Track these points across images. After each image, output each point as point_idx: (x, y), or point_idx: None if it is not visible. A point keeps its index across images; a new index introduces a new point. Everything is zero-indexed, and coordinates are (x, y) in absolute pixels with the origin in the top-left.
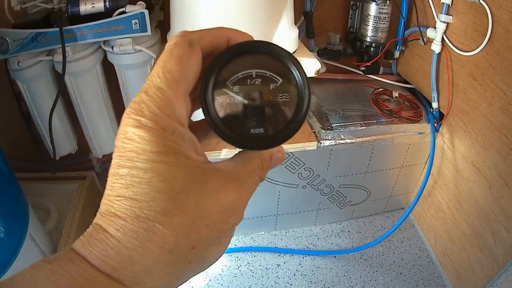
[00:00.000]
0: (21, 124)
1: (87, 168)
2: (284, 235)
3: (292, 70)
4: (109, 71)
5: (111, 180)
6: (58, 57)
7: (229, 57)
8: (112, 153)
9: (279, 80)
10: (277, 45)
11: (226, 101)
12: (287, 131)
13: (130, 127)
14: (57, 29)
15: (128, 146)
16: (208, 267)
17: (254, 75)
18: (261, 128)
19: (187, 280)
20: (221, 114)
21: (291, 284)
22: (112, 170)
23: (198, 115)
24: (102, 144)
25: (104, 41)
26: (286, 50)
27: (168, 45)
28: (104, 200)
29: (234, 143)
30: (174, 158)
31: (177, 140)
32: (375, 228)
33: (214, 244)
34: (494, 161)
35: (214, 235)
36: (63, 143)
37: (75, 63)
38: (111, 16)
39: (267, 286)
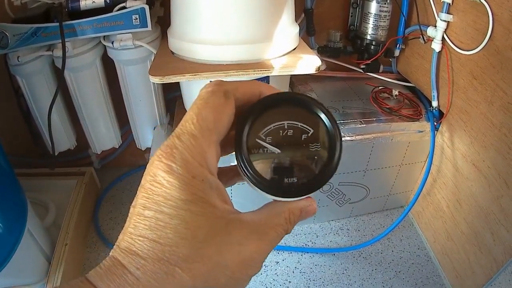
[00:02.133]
0: (20, 120)
1: (86, 164)
2: None
3: (324, 121)
4: (109, 66)
5: (135, 220)
6: (58, 52)
7: (262, 108)
8: (111, 148)
9: (310, 130)
10: (309, 96)
11: (260, 151)
12: (319, 180)
13: (160, 171)
14: (57, 24)
15: (156, 190)
16: None
17: (286, 127)
18: (294, 178)
19: None
20: (255, 164)
21: (289, 282)
22: (136, 209)
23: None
24: (101, 140)
25: (104, 36)
26: (317, 101)
27: (203, 92)
28: (125, 237)
29: (268, 190)
30: (201, 207)
31: (206, 189)
32: (374, 226)
33: None
34: (494, 160)
35: (231, 284)
36: (62, 139)
37: (75, 58)
38: (111, 11)
39: (265, 283)
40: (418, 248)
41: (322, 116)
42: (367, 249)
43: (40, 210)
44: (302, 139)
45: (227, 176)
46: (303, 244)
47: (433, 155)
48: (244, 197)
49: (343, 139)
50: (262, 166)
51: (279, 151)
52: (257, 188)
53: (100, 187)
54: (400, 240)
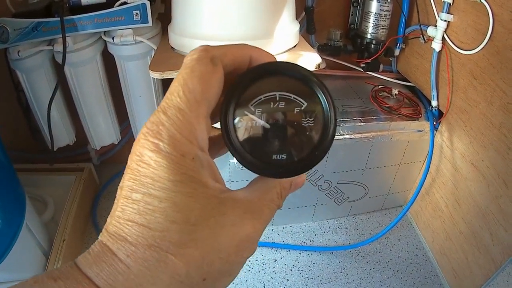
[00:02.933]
0: (20, 115)
1: (85, 160)
2: (281, 230)
3: (318, 94)
4: (109, 62)
5: (122, 203)
6: (59, 47)
7: (252, 78)
8: (110, 144)
9: (303, 103)
10: (303, 67)
11: (248, 124)
12: (312, 158)
13: (147, 150)
14: (58, 19)
15: (143, 171)
16: None
17: (277, 98)
18: (283, 154)
19: None
20: (241, 137)
21: (287, 280)
22: (123, 191)
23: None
24: (100, 136)
25: (104, 31)
26: (311, 72)
27: (188, 60)
28: (113, 221)
29: (254, 169)
30: (192, 188)
31: (196, 168)
32: (372, 225)
33: (225, 275)
34: (493, 160)
35: (226, 268)
36: (61, 134)
37: (75, 54)
38: (112, 7)
39: (263, 281)
40: (417, 248)
41: (317, 89)
42: (365, 248)
43: (39, 205)
44: (295, 112)
45: (218, 145)
46: (301, 242)
47: (432, 155)
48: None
49: (344, 137)
50: (249, 141)
51: (268, 125)
52: (242, 165)
53: (98, 183)
54: (398, 239)
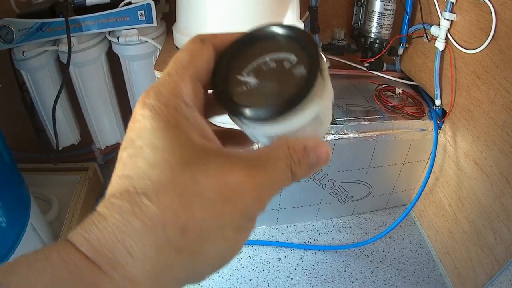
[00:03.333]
0: (24, 115)
1: (90, 160)
2: (285, 229)
3: (305, 47)
4: (113, 62)
5: (115, 167)
6: (63, 47)
7: (240, 46)
8: (115, 144)
9: (290, 56)
10: (288, 25)
11: (242, 88)
12: (300, 92)
13: (137, 109)
14: (63, 19)
15: (132, 128)
16: (203, 273)
17: (268, 61)
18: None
19: (177, 282)
20: (238, 100)
21: (291, 278)
22: (118, 155)
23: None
24: (105, 136)
25: (109, 31)
26: (296, 28)
27: (183, 45)
28: (107, 188)
29: (245, 115)
30: (173, 133)
31: (180, 119)
32: (376, 224)
33: (212, 234)
34: (496, 159)
35: (212, 221)
36: (66, 134)
37: (80, 54)
38: (117, 7)
39: (267, 280)
40: (420, 247)
41: (298, 39)
42: (369, 246)
43: (43, 205)
44: (287, 68)
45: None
46: (306, 241)
47: (435, 154)
48: None
49: (348, 136)
50: (243, 98)
51: (258, 81)
52: (237, 119)
53: (103, 182)
54: (402, 238)
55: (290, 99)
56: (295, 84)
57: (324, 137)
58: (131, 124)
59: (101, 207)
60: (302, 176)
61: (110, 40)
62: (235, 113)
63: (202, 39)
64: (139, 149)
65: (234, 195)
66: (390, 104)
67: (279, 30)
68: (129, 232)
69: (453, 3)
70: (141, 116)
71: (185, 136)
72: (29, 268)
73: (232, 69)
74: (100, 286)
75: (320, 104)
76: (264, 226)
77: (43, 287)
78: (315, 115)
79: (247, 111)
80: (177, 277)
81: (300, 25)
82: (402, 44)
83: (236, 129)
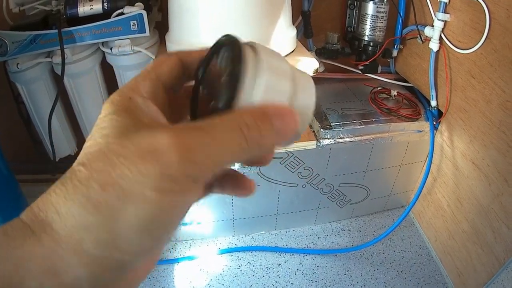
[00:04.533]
0: (21, 126)
1: None
2: (284, 234)
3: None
4: (108, 72)
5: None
6: (57, 59)
7: (209, 56)
8: None
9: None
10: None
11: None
12: (232, 68)
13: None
14: (56, 30)
15: (96, 122)
16: (128, 241)
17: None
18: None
19: (114, 253)
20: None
21: (292, 283)
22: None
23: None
24: None
25: (102, 42)
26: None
27: None
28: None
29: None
30: (120, 116)
31: (131, 104)
32: (375, 226)
33: (131, 192)
34: (494, 158)
35: (130, 179)
36: (63, 145)
37: (74, 65)
38: (109, 18)
39: (268, 286)
40: (420, 248)
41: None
42: (369, 249)
43: None
44: (220, 67)
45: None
46: (305, 245)
47: (432, 155)
48: (245, 200)
49: (344, 140)
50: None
51: (205, 87)
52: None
53: None
54: (401, 240)
55: (229, 82)
56: (228, 71)
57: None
58: (98, 119)
59: (53, 187)
60: (266, 143)
61: (103, 51)
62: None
63: (169, 54)
64: (91, 135)
65: (153, 154)
66: (386, 107)
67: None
68: (63, 194)
69: (446, 3)
70: (103, 110)
71: (132, 117)
72: None
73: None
74: (26, 245)
75: (264, 75)
76: (263, 232)
77: None
78: (263, 86)
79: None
80: (98, 238)
81: (293, 32)
82: (396, 46)
83: None
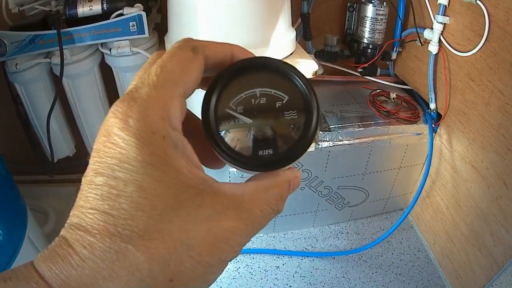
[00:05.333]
0: (19, 127)
1: (85, 171)
2: (282, 237)
3: (298, 85)
4: (106, 73)
5: (86, 190)
6: (56, 60)
7: (232, 73)
8: None
9: (284, 97)
10: (280, 60)
11: (230, 122)
12: (297, 149)
13: (115, 128)
14: (55, 31)
15: (110, 151)
16: None
17: (258, 95)
18: (270, 149)
19: None
20: (225, 136)
21: (290, 286)
22: (87, 177)
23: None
24: None
25: (101, 43)
26: (289, 64)
27: (170, 48)
28: (75, 212)
29: (242, 166)
30: (162, 171)
31: (168, 149)
32: (373, 229)
33: (197, 280)
34: (492, 161)
35: (198, 270)
36: (61, 146)
37: (73, 66)
38: (108, 18)
39: None
40: (418, 250)
41: (297, 81)
42: (367, 252)
43: (40, 217)
44: (277, 107)
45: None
46: (303, 248)
47: (431, 157)
48: None
49: (343, 143)
50: (232, 138)
51: (250, 120)
52: (228, 163)
53: None
54: (400, 242)
55: (282, 160)
56: (288, 142)
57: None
58: (106, 143)
59: (76, 244)
60: (282, 210)
61: (102, 52)
62: (222, 155)
63: (193, 48)
64: (122, 184)
65: (221, 246)
66: (385, 109)
67: (275, 64)
68: (114, 281)
69: (445, 6)
70: (122, 141)
71: (174, 173)
72: None
73: (222, 98)
74: None
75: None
76: (262, 234)
77: None
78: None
79: (234, 161)
80: None
81: (292, 34)
82: (396, 49)
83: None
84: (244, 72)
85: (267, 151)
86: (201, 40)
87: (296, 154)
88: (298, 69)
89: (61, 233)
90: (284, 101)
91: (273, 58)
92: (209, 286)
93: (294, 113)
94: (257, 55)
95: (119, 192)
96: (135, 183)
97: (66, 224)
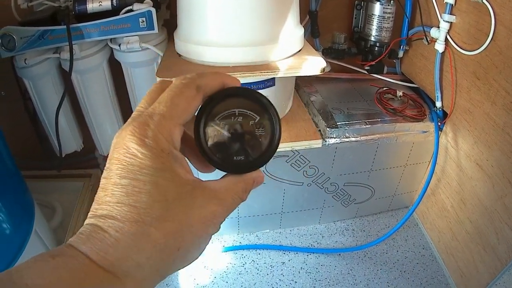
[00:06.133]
0: (27, 122)
1: (93, 166)
2: (288, 233)
3: (268, 110)
4: (115, 69)
5: (112, 189)
6: (65, 55)
7: (218, 98)
8: None
9: (256, 117)
10: (256, 91)
11: (214, 133)
12: (263, 158)
13: (134, 144)
14: (64, 26)
15: (131, 161)
16: (187, 266)
17: (236, 113)
18: (242, 156)
19: (169, 274)
20: (209, 143)
21: (295, 282)
22: (112, 179)
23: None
24: (108, 142)
25: (111, 39)
26: (262, 95)
27: (178, 83)
28: (102, 206)
29: (219, 167)
30: (169, 175)
31: (172, 161)
32: (379, 226)
33: (195, 248)
34: (498, 160)
35: (195, 241)
36: (69, 141)
37: (82, 61)
38: (118, 14)
39: (271, 284)
40: (423, 248)
41: (267, 107)
42: (372, 249)
43: (47, 211)
44: (250, 124)
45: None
46: (309, 244)
47: (437, 155)
48: (250, 198)
49: (350, 139)
50: (215, 146)
51: (229, 134)
52: (210, 164)
53: None
54: (405, 240)
55: (251, 165)
56: (256, 152)
57: None
58: (127, 154)
59: (109, 229)
60: (246, 198)
61: (111, 47)
62: (209, 161)
63: (197, 87)
64: (142, 183)
65: (209, 224)
66: (391, 107)
67: (253, 93)
68: (141, 253)
69: (452, 5)
70: (141, 154)
71: (177, 176)
72: (52, 274)
73: (209, 115)
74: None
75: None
76: (268, 230)
77: None
78: None
79: (219, 165)
80: (170, 273)
81: (300, 31)
82: (402, 47)
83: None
84: (228, 97)
85: (239, 157)
86: (202, 78)
87: (262, 161)
88: (268, 98)
89: (89, 222)
90: (256, 120)
91: (252, 89)
92: (201, 253)
93: (262, 130)
94: (262, 56)
95: (140, 190)
96: (151, 182)
97: (92, 215)
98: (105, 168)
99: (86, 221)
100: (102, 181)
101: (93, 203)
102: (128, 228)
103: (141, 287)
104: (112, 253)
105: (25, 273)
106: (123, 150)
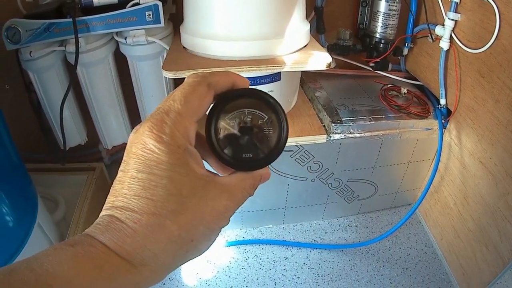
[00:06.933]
0: (31, 115)
1: (96, 160)
2: (292, 228)
3: (276, 110)
4: (121, 62)
5: (129, 182)
6: (71, 48)
7: (229, 98)
8: (122, 144)
9: (265, 117)
10: (265, 93)
11: (224, 131)
12: (271, 157)
13: (152, 140)
14: (70, 19)
15: (148, 156)
16: (199, 255)
17: (246, 113)
18: (250, 154)
19: (182, 264)
20: (220, 141)
21: (298, 277)
22: (130, 173)
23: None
24: (112, 136)
25: (117, 32)
26: (271, 96)
27: (190, 80)
28: (119, 198)
29: (229, 164)
30: (184, 170)
31: (187, 156)
32: (382, 223)
33: (206, 239)
34: (501, 158)
35: (207, 233)
36: (73, 134)
37: (87, 54)
38: (124, 8)
39: (274, 279)
40: (425, 245)
41: (275, 107)
42: (375, 245)
43: (50, 205)
44: (258, 123)
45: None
46: (312, 240)
47: (440, 153)
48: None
49: (354, 135)
50: (225, 143)
51: (238, 133)
52: (220, 161)
53: (110, 182)
54: (407, 237)
55: (259, 163)
56: (264, 150)
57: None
58: (145, 149)
59: (127, 221)
60: (253, 193)
61: (117, 41)
62: (219, 158)
63: (208, 84)
64: (158, 178)
65: (220, 217)
66: (396, 104)
67: (262, 94)
68: (157, 243)
69: (457, 3)
70: (158, 149)
71: (191, 171)
72: (72, 261)
73: (220, 114)
74: (133, 276)
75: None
76: (271, 225)
77: (89, 277)
78: None
79: (228, 162)
80: (183, 263)
81: (306, 26)
82: (407, 44)
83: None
84: (238, 98)
85: (248, 154)
86: (213, 76)
87: (270, 159)
88: (276, 99)
89: (107, 213)
90: (264, 120)
91: (261, 90)
92: (211, 244)
93: (270, 129)
94: (268, 50)
95: (157, 184)
96: (167, 177)
97: (109, 206)
98: (122, 161)
99: (103, 212)
100: (119, 174)
101: (109, 195)
102: (146, 220)
103: (155, 274)
104: (130, 243)
105: (45, 260)
106: (141, 145)
